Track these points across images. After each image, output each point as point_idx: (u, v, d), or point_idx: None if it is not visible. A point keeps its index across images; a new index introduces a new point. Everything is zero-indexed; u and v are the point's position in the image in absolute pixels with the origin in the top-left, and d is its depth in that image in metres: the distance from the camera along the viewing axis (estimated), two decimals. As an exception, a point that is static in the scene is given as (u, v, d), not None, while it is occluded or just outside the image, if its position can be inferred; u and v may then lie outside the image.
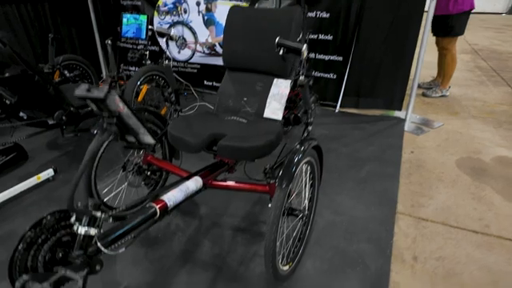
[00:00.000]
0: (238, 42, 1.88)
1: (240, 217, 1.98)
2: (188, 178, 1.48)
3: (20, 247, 1.04)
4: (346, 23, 3.10)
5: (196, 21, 3.60)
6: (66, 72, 3.07)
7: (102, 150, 1.69)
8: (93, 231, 1.11)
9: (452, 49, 3.50)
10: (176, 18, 3.68)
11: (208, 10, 3.51)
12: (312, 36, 3.24)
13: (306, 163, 1.53)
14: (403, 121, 3.09)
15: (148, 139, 1.25)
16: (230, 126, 1.65)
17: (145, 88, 2.80)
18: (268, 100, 1.79)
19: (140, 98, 2.78)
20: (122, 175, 1.86)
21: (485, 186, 2.24)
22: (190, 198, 1.45)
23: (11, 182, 2.19)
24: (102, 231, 1.14)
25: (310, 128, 1.83)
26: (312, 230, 1.84)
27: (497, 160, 2.53)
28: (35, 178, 2.24)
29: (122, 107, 1.08)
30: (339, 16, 3.10)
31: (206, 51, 3.69)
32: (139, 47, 3.93)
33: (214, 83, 3.88)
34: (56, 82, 2.97)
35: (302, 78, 1.54)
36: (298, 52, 1.52)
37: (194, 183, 1.44)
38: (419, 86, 3.83)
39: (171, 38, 3.30)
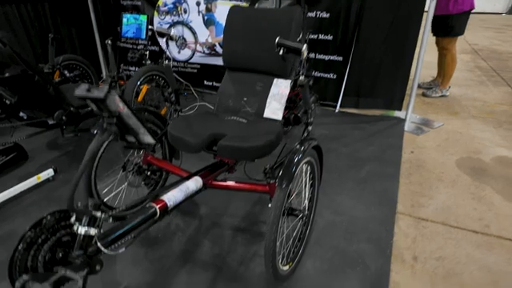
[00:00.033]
0: (238, 42, 1.88)
1: (240, 217, 1.98)
2: (188, 178, 1.48)
3: (20, 247, 1.04)
4: (346, 23, 3.10)
5: (196, 21, 3.60)
6: (66, 72, 3.07)
7: (102, 150, 1.69)
8: (93, 231, 1.11)
9: (452, 49, 3.50)
10: (176, 18, 3.68)
11: (208, 9, 3.51)
12: (312, 36, 3.24)
13: (306, 163, 1.53)
14: (403, 121, 3.09)
15: (148, 139, 1.25)
16: (230, 126, 1.65)
17: (145, 88, 2.80)
18: (268, 100, 1.79)
19: (140, 98, 2.78)
20: (122, 175, 1.86)
21: (485, 185, 2.24)
22: (190, 198, 1.45)
23: (11, 182, 2.19)
24: (102, 231, 1.14)
25: (309, 128, 1.82)
26: (312, 230, 1.84)
27: (497, 160, 2.53)
28: (35, 177, 2.24)
29: (121, 107, 1.08)
30: (339, 16, 3.10)
31: (206, 51, 3.69)
32: (139, 47, 3.93)
33: (214, 83, 3.88)
34: (56, 82, 2.97)
35: (302, 77, 1.53)
36: (298, 52, 1.52)
37: (193, 183, 1.44)
38: (419, 86, 3.83)
39: (171, 38, 3.31)
